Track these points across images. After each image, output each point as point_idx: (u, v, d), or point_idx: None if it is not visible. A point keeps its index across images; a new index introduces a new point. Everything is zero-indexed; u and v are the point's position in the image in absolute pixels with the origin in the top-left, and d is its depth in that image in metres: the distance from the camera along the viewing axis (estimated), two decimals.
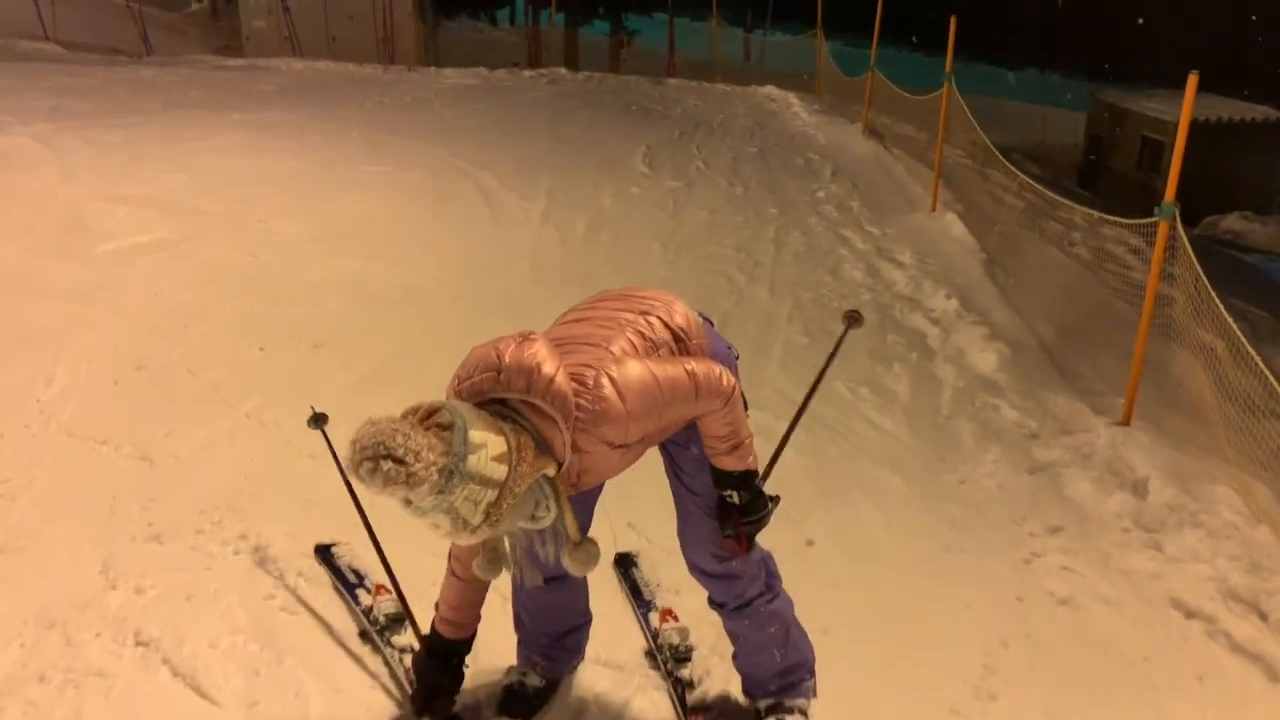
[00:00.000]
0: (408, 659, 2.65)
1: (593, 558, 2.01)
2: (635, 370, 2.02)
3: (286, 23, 19.80)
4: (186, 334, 5.22)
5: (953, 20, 8.35)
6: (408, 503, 1.73)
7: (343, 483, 2.71)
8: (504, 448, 1.80)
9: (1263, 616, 3.40)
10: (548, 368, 1.90)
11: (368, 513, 2.82)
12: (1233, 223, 20.27)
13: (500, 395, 1.89)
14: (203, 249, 6.70)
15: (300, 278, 6.21)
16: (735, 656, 2.55)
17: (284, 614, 2.93)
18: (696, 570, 2.43)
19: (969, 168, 10.16)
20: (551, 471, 1.90)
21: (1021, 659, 2.96)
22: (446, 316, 5.69)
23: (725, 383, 2.14)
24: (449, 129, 11.81)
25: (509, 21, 32.74)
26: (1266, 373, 4.19)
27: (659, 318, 2.23)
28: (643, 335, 2.16)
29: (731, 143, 11.56)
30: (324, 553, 3.19)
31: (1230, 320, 4.26)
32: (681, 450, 2.32)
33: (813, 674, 2.53)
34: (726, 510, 2.28)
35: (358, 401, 4.38)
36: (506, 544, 2.02)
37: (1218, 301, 4.35)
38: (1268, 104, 22.05)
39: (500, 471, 1.78)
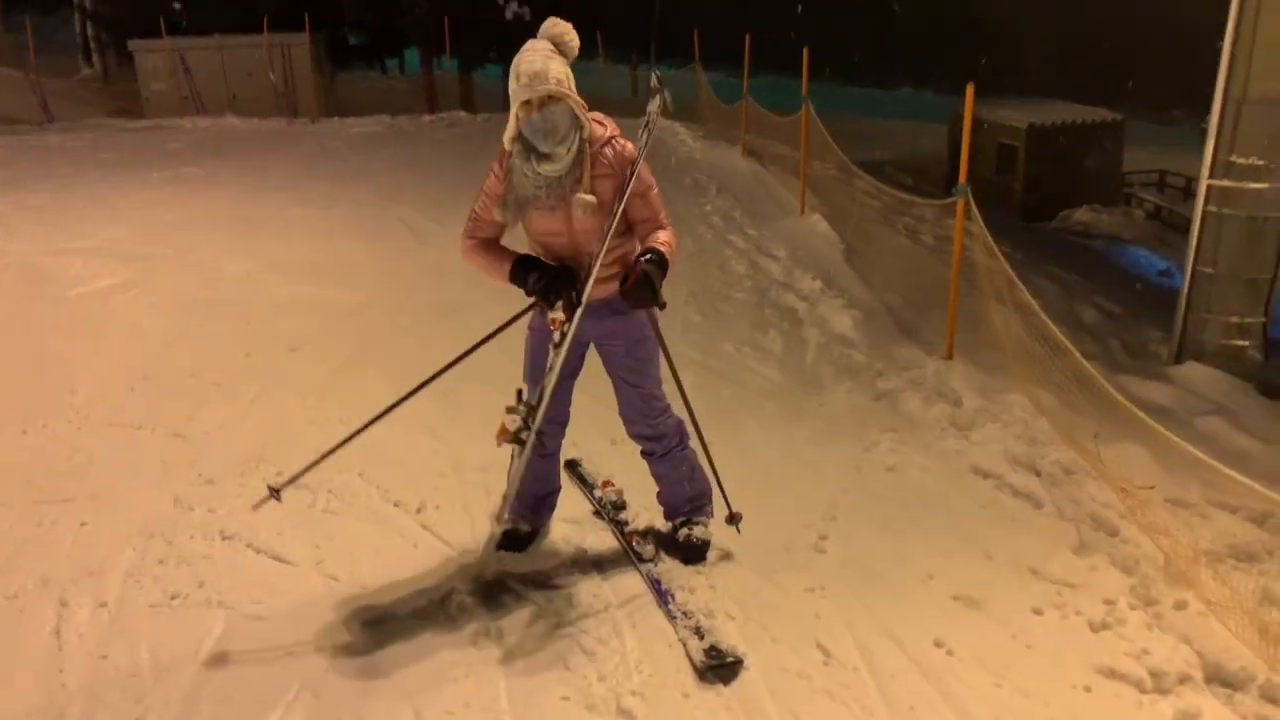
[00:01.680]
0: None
1: (591, 206, 3.12)
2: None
3: (188, 83, 20.46)
4: (177, 350, 6.14)
5: (805, 51, 9.77)
6: (549, 101, 3.01)
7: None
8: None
9: (1037, 473, 4.69)
10: (599, 114, 3.25)
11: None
12: (1083, 214, 22.32)
13: None
14: (166, 286, 7.58)
15: (261, 301, 7.16)
16: (659, 494, 3.70)
17: (326, 514, 3.98)
18: (636, 435, 3.59)
19: (835, 178, 11.60)
20: (586, 133, 3.13)
21: (856, 499, 4.19)
22: (396, 321, 6.73)
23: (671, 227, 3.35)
24: (363, 172, 12.79)
25: (399, 70, 33.76)
26: (1048, 323, 5.52)
27: None
28: None
29: None
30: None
31: (1011, 271, 5.59)
32: (621, 358, 3.45)
33: (711, 501, 3.71)
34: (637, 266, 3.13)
35: (338, 384, 5.43)
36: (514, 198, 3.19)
37: (1001, 258, 5.69)
38: (1110, 108, 24.20)
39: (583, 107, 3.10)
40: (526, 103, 3.05)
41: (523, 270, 3.24)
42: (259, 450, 4.60)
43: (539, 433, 3.38)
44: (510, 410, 3.16)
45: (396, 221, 9.71)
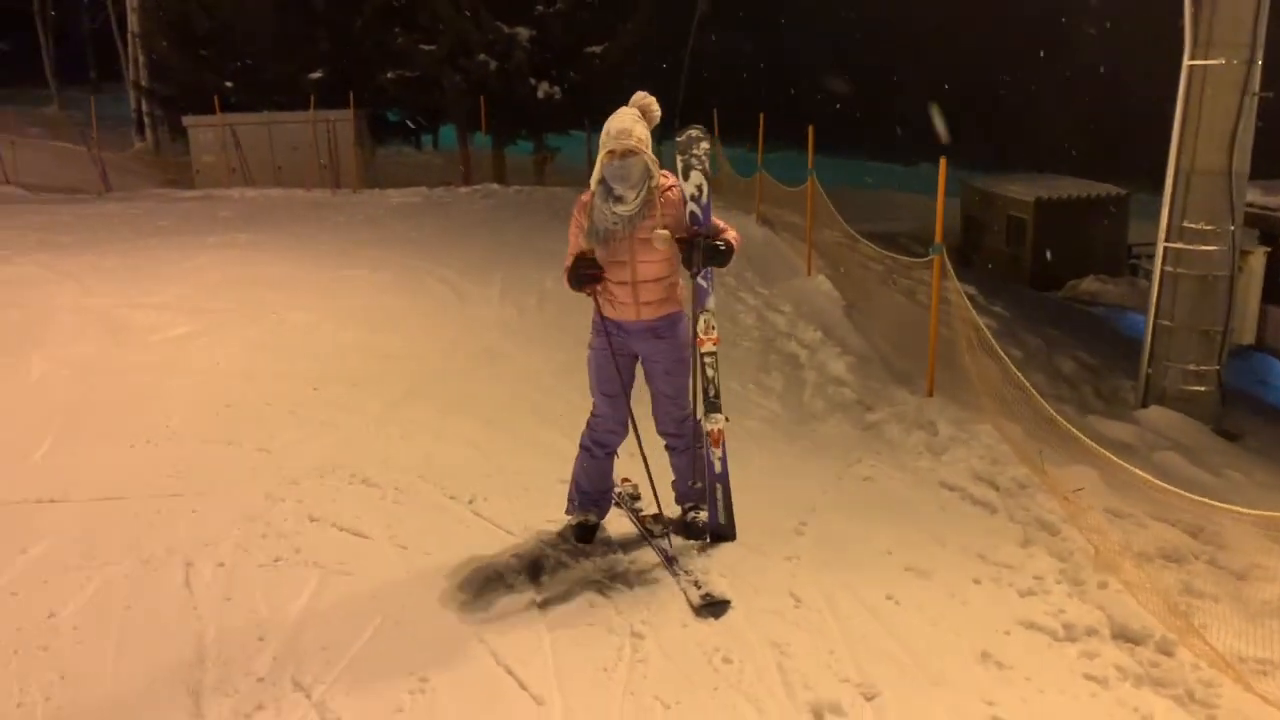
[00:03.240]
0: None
1: (663, 238, 3.98)
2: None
3: (237, 156, 21.81)
4: (252, 385, 7.03)
5: (810, 129, 10.78)
6: (628, 153, 3.83)
7: None
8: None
9: (995, 487, 5.45)
10: (665, 171, 4.07)
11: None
12: (1090, 284, 23.09)
13: None
14: (234, 334, 8.50)
15: (321, 346, 8.07)
16: (674, 483, 4.48)
17: (394, 504, 4.82)
18: (664, 433, 4.39)
19: (841, 243, 12.51)
20: (655, 183, 3.96)
21: (834, 499, 4.99)
22: (444, 364, 7.61)
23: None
24: (404, 239, 13.81)
25: (434, 145, 35.34)
26: (1005, 358, 6.33)
27: None
28: None
29: None
30: None
31: (979, 322, 6.41)
32: (661, 374, 4.25)
33: None
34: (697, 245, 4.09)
35: (396, 412, 6.30)
36: (600, 230, 4.00)
37: (971, 309, 6.52)
38: (1113, 183, 25.09)
39: (655, 163, 3.89)
40: (610, 152, 3.90)
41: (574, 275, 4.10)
42: (331, 460, 5.44)
43: (607, 432, 4.29)
44: (714, 420, 4.26)
45: (438, 283, 10.65)
